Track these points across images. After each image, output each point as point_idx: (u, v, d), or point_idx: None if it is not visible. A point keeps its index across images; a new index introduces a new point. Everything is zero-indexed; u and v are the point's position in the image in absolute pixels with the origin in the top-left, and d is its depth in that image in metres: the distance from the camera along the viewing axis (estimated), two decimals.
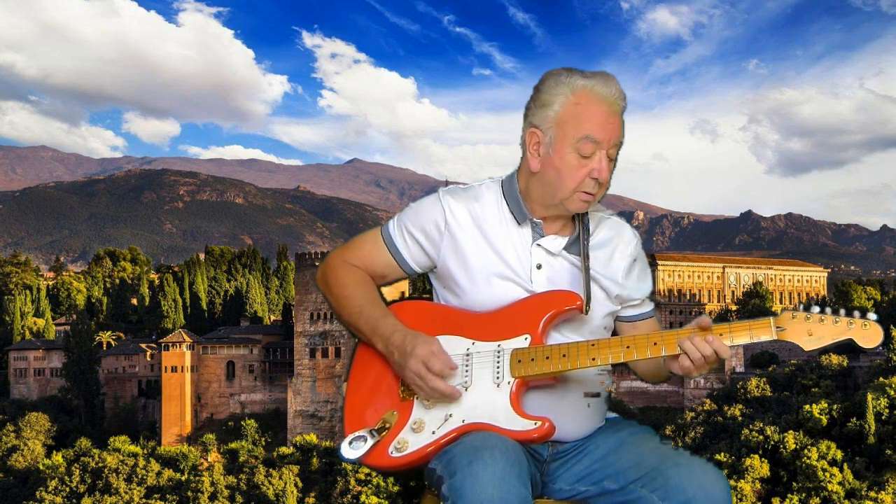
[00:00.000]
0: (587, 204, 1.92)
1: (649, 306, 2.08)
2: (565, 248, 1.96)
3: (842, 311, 1.80)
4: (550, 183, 1.91)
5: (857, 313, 1.79)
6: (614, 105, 1.89)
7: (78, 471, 57.39)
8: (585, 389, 1.97)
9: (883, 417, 49.47)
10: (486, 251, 1.94)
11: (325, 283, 2.05)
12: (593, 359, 1.83)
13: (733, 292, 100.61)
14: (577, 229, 1.99)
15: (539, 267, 1.94)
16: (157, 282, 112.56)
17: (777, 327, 1.80)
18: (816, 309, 1.81)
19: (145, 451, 63.90)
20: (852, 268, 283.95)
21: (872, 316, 1.77)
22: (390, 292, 2.10)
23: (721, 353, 1.78)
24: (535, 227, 1.96)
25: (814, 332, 1.80)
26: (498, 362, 1.86)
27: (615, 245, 2.01)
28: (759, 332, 1.81)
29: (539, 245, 1.95)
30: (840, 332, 1.79)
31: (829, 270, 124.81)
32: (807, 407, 51.95)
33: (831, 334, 1.79)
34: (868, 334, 1.78)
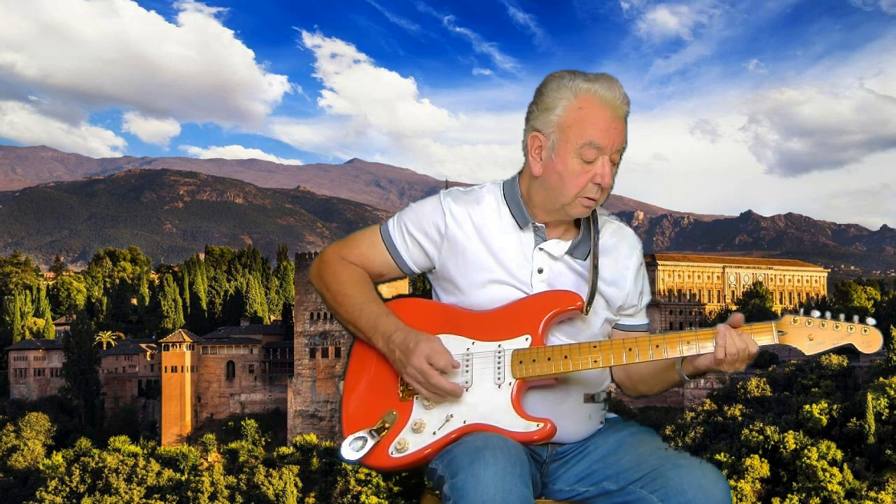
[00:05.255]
0: (589, 209, 1.91)
1: (645, 319, 2.07)
2: (568, 252, 1.94)
3: (842, 316, 1.82)
4: (553, 188, 1.88)
5: (856, 318, 1.81)
6: (618, 109, 1.85)
7: (78, 471, 57.28)
8: (586, 391, 1.96)
9: (883, 417, 49.42)
10: (486, 256, 1.92)
11: (320, 280, 2.02)
12: (595, 360, 1.83)
13: (733, 292, 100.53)
14: (581, 233, 1.97)
15: (540, 271, 1.92)
16: (157, 282, 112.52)
17: (779, 331, 1.82)
18: (817, 313, 1.82)
19: (145, 451, 63.78)
20: (852, 268, 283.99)
21: (871, 321, 1.80)
22: (390, 291, 2.08)
23: (751, 349, 1.79)
24: (537, 231, 1.93)
25: (814, 337, 1.81)
26: (499, 363, 1.85)
27: (619, 251, 1.99)
28: (761, 336, 1.82)
29: (541, 249, 1.93)
30: (840, 337, 1.81)
31: (829, 270, 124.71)
32: (807, 407, 51.90)
33: (832, 339, 1.82)
34: (868, 340, 1.80)
